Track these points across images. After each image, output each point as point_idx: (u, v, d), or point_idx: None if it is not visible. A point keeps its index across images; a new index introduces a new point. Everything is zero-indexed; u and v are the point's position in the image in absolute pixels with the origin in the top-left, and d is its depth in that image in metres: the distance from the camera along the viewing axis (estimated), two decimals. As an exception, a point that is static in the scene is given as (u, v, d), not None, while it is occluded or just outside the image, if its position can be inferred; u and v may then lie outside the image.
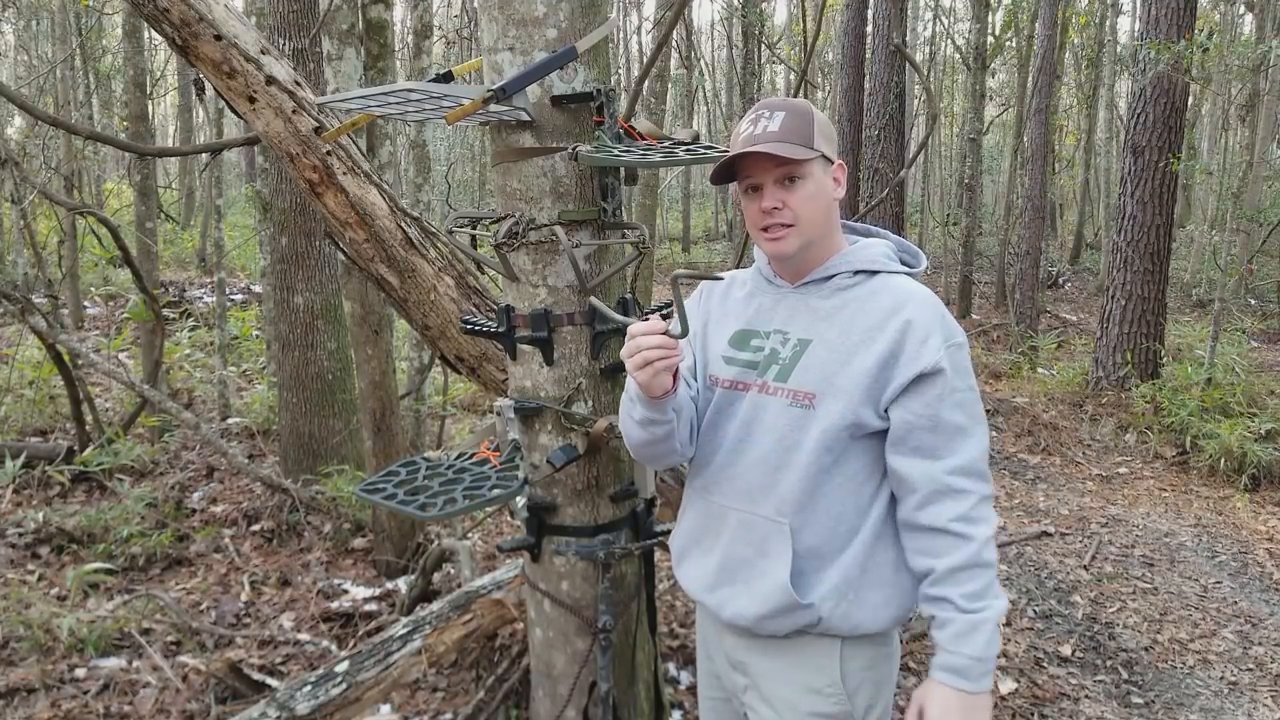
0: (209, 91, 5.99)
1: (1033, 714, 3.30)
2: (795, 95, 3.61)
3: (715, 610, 1.71)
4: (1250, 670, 3.77)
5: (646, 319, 2.10)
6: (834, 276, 1.65)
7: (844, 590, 1.60)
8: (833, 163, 1.65)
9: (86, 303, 10.11)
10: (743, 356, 1.69)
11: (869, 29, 10.43)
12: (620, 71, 20.04)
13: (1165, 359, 8.25)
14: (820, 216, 1.63)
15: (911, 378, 1.54)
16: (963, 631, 1.51)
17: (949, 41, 20.28)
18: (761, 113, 1.62)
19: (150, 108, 10.18)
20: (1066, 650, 3.81)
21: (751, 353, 1.68)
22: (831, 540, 1.61)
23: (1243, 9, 17.77)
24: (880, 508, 1.62)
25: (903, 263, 1.71)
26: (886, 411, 1.57)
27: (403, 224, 2.65)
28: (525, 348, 2.10)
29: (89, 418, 5.46)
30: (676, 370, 1.55)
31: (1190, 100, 9.17)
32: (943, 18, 21.22)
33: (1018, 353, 10.00)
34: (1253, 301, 13.94)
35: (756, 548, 1.63)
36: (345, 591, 4.05)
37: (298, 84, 2.59)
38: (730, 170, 1.65)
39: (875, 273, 1.65)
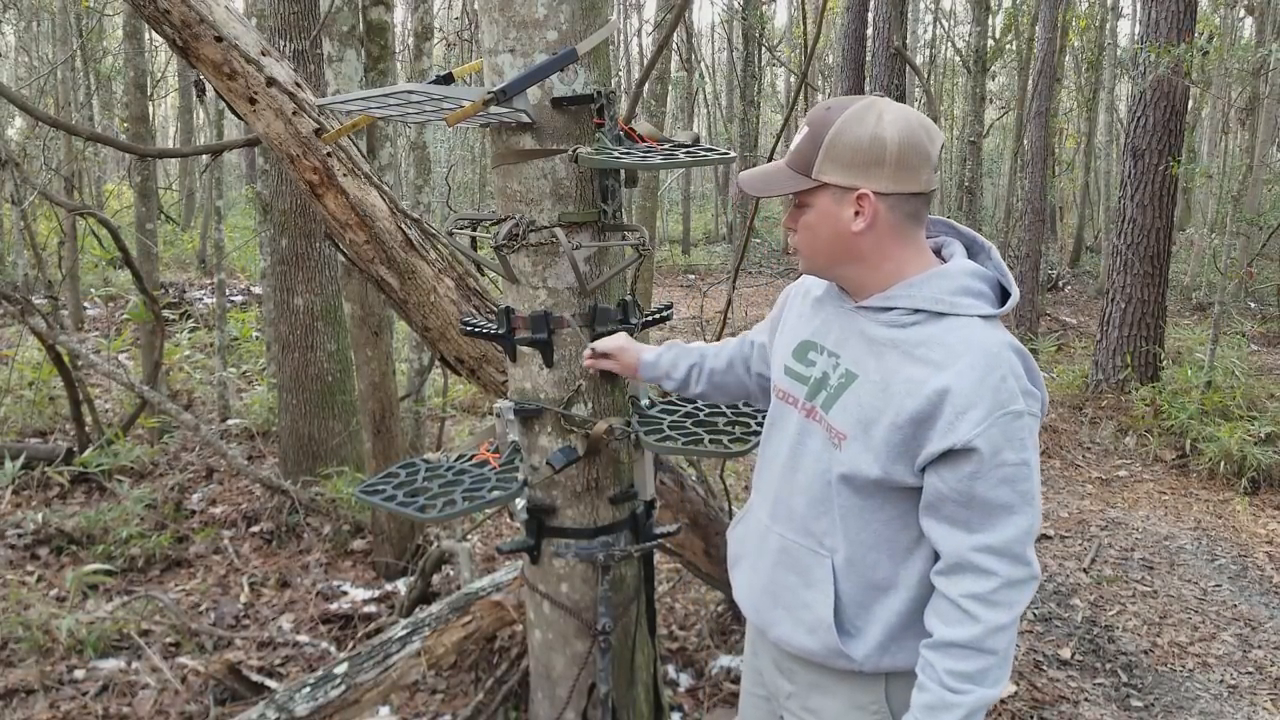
0: (209, 93, 6.00)
1: (1032, 717, 3.30)
2: (795, 98, 3.60)
3: (763, 630, 1.68)
4: (1250, 673, 3.77)
5: (648, 320, 2.11)
6: (892, 310, 1.49)
7: (886, 644, 1.54)
8: (853, 190, 1.44)
9: (86, 304, 10.11)
10: (798, 369, 1.64)
11: (869, 32, 10.44)
12: (621, 74, 20.06)
13: (1165, 362, 8.25)
14: (821, 248, 1.51)
15: (942, 451, 1.40)
16: (932, 705, 1.42)
17: (949, 44, 20.31)
18: (803, 121, 1.54)
19: (151, 109, 10.18)
20: (1066, 653, 3.81)
21: (806, 366, 1.62)
22: (871, 585, 1.55)
23: (1243, 12, 17.79)
24: (922, 559, 1.52)
25: (1003, 292, 1.51)
26: (923, 471, 1.46)
27: (403, 225, 2.66)
28: (525, 349, 2.10)
29: (89, 419, 5.46)
30: (629, 367, 1.97)
31: (1190, 103, 9.17)
32: (943, 21, 21.25)
33: (1017, 355, 9.98)
34: (1253, 305, 13.93)
35: (801, 576, 1.59)
36: (344, 593, 4.04)
37: (298, 85, 2.59)
38: None
39: (941, 314, 1.45)
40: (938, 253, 1.57)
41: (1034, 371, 1.45)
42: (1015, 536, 1.40)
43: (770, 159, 1.69)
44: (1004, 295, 1.51)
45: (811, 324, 1.65)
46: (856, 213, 1.45)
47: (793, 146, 1.50)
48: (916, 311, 1.46)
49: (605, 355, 1.98)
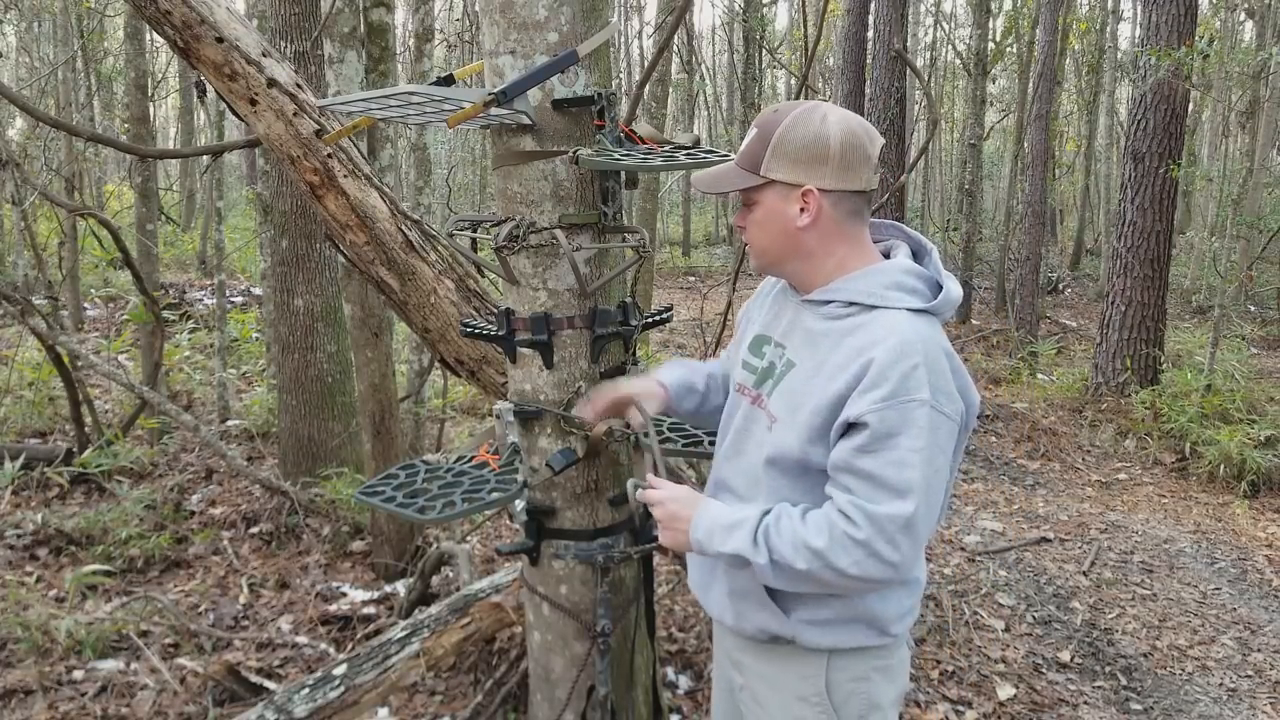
0: (210, 94, 6.01)
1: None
2: (796, 99, 3.61)
3: (705, 608, 1.75)
4: (1249, 677, 3.76)
5: (648, 322, 2.10)
6: (830, 303, 1.56)
7: (822, 622, 1.58)
8: (799, 187, 1.50)
9: (86, 304, 10.11)
10: (752, 362, 1.70)
11: (870, 34, 10.45)
12: (621, 76, 20.07)
13: (1165, 365, 8.26)
14: (771, 244, 1.57)
15: (844, 422, 1.45)
16: (739, 521, 1.50)
17: (950, 47, 20.32)
18: (751, 124, 1.59)
19: (151, 110, 10.19)
20: (1065, 656, 3.81)
21: (759, 359, 1.69)
22: None
23: (1243, 16, 17.80)
24: None
25: (936, 289, 1.56)
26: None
27: (403, 227, 2.66)
28: (525, 351, 2.10)
29: (88, 419, 5.46)
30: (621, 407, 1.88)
31: (1190, 107, 9.18)
32: (944, 23, 21.27)
33: (1017, 358, 10.00)
34: (1252, 308, 13.94)
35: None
36: (344, 594, 4.04)
37: (299, 87, 2.59)
38: None
39: (873, 306, 1.52)
40: (886, 255, 1.63)
41: (962, 376, 1.50)
42: (889, 515, 1.40)
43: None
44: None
45: (766, 319, 1.73)
46: (802, 209, 1.52)
47: (742, 147, 1.57)
48: (851, 304, 1.53)
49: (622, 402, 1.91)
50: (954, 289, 1.55)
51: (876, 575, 1.42)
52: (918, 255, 1.64)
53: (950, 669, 3.56)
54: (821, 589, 1.49)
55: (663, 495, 1.59)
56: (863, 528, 1.40)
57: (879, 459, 1.41)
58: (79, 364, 5.29)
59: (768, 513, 1.50)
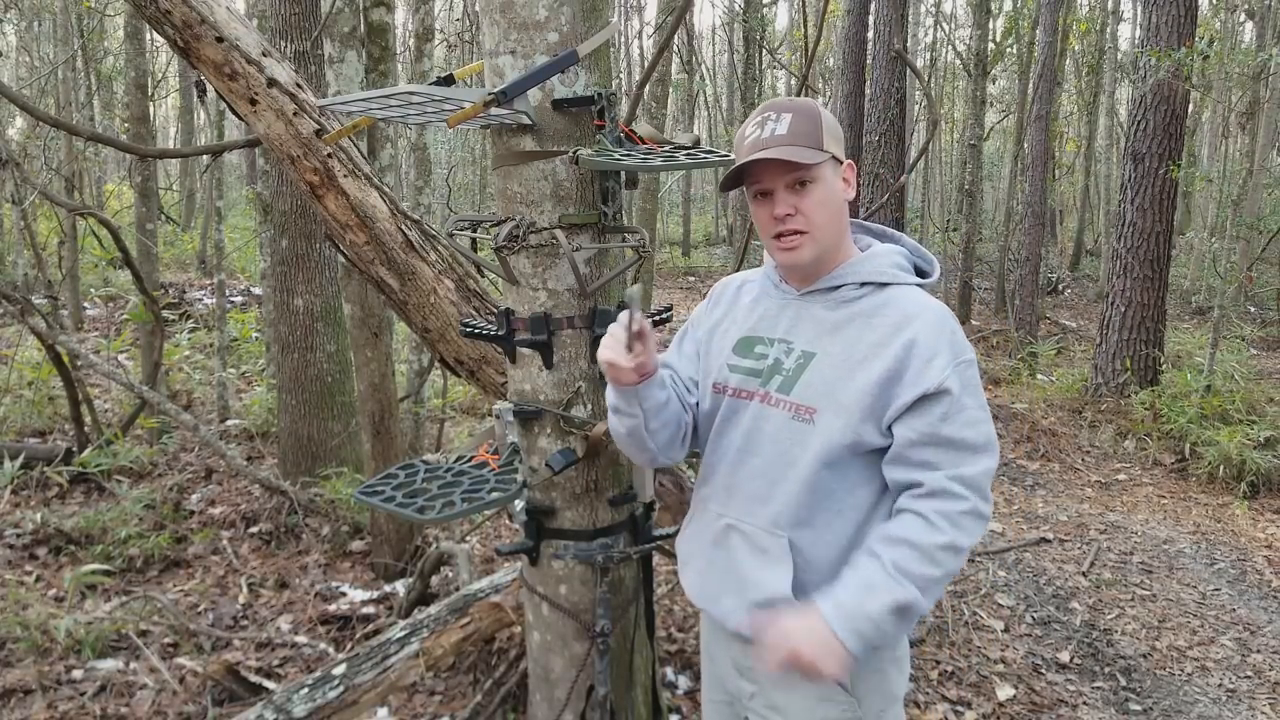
0: (210, 93, 6.00)
1: (1031, 720, 3.30)
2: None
3: (719, 621, 1.70)
4: (1248, 678, 3.77)
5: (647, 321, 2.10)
6: (840, 288, 1.62)
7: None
8: (842, 163, 1.62)
9: (86, 304, 10.11)
10: (746, 364, 1.68)
11: (870, 35, 10.44)
12: (621, 76, 20.07)
13: (1165, 366, 8.26)
14: (834, 220, 1.60)
15: (915, 398, 1.50)
16: (868, 583, 1.46)
17: (950, 48, 20.32)
18: (768, 115, 1.59)
19: (151, 109, 10.18)
20: (1065, 657, 3.81)
21: (755, 360, 1.67)
22: (833, 556, 1.58)
23: (1243, 17, 17.81)
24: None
25: (917, 271, 1.67)
26: (890, 429, 1.54)
27: (403, 227, 2.66)
28: (525, 351, 2.10)
29: (88, 419, 5.46)
30: (648, 370, 1.58)
31: (1190, 107, 9.18)
32: (944, 24, 21.26)
33: (1017, 359, 10.00)
34: (1252, 309, 13.95)
35: (756, 558, 1.62)
36: (343, 594, 4.04)
37: (299, 86, 2.59)
38: (739, 176, 1.63)
39: (884, 284, 1.61)
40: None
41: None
42: (982, 472, 1.51)
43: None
44: (920, 273, 1.68)
45: (749, 322, 1.73)
46: (845, 183, 1.63)
47: (787, 130, 1.57)
48: (863, 285, 1.62)
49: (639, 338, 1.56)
50: (936, 268, 1.68)
51: (980, 533, 1.51)
52: (884, 242, 1.75)
53: (950, 669, 3.56)
54: (948, 579, 1.52)
55: (786, 627, 1.48)
56: (967, 496, 1.49)
57: (956, 422, 1.50)
58: (79, 363, 5.29)
59: (873, 555, 1.49)
